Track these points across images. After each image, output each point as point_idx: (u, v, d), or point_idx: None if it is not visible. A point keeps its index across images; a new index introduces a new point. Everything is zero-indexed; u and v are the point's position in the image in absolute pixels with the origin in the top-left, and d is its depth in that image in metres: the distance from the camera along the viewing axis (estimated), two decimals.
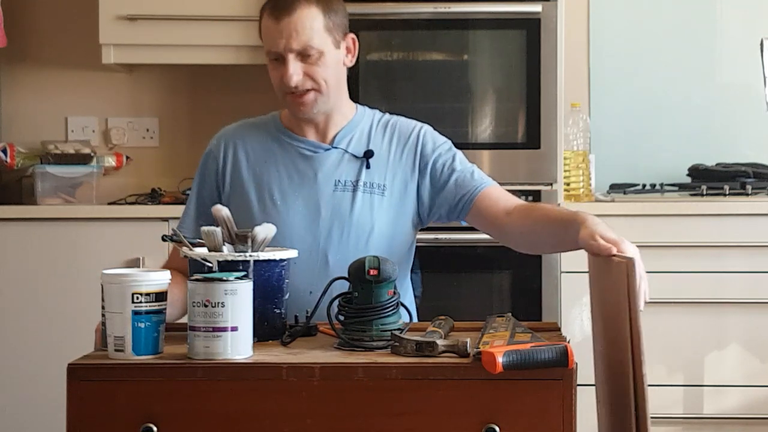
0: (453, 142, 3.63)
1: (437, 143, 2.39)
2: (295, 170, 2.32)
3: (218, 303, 1.66)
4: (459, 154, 2.40)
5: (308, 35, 2.21)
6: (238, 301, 1.67)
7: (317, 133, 2.35)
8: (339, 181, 2.31)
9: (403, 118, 2.44)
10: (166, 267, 2.12)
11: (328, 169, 2.32)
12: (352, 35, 2.34)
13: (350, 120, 2.37)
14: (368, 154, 2.33)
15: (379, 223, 2.30)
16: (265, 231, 1.92)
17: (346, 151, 2.34)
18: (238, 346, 1.68)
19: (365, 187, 2.31)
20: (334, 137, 2.34)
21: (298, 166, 2.32)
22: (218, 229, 1.91)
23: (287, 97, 2.27)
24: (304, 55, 2.23)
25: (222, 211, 1.96)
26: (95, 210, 3.65)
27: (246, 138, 2.37)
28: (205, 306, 1.66)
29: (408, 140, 2.38)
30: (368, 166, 2.33)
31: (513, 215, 2.26)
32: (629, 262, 1.62)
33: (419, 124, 2.42)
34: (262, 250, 1.91)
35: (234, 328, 1.67)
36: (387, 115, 2.43)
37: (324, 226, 2.28)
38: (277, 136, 2.36)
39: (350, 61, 2.34)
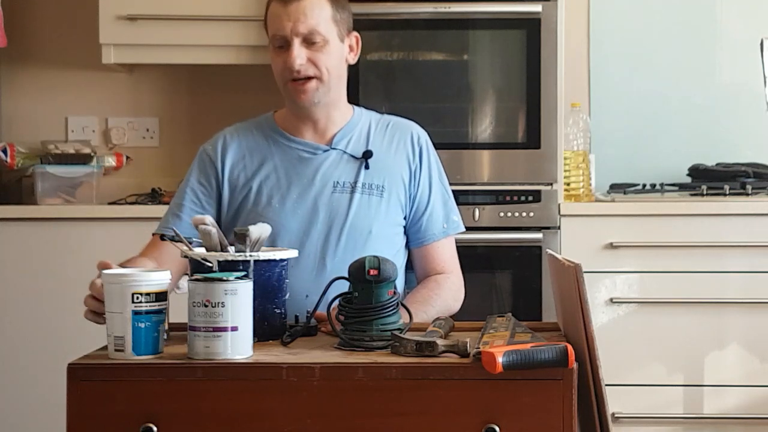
0: (453, 142, 3.64)
1: (432, 160, 2.41)
2: (294, 173, 2.31)
3: (218, 303, 1.66)
4: (444, 178, 2.43)
5: (316, 20, 2.24)
6: (238, 301, 1.67)
7: (315, 134, 2.35)
8: (338, 182, 2.30)
9: (402, 119, 2.44)
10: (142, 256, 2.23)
11: (326, 170, 2.31)
12: (356, 34, 2.36)
13: (349, 120, 2.37)
14: (367, 154, 2.33)
15: (377, 225, 2.29)
16: (259, 230, 1.92)
17: (344, 152, 2.33)
18: (238, 346, 1.68)
19: (364, 188, 2.30)
20: (333, 138, 2.34)
21: (297, 168, 2.32)
22: (214, 229, 1.90)
23: (288, 85, 2.27)
24: (309, 42, 2.24)
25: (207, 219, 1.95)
26: (95, 210, 3.65)
27: (242, 141, 2.36)
28: (205, 306, 1.66)
29: (409, 143, 2.38)
30: (367, 167, 2.32)
31: (420, 283, 2.38)
32: (577, 267, 1.63)
33: (418, 127, 2.44)
34: (257, 250, 1.90)
35: (234, 328, 1.67)
36: (386, 116, 2.43)
37: (321, 229, 2.27)
38: (274, 137, 2.35)
39: (352, 58, 2.36)
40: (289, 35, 2.23)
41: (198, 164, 2.37)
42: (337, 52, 2.29)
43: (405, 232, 2.38)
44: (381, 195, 2.31)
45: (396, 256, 2.32)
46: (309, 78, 2.25)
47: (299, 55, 2.23)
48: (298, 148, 2.33)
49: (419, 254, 2.38)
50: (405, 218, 2.36)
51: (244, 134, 2.38)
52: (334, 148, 2.33)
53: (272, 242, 2.18)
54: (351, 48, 2.35)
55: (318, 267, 2.25)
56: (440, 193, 2.39)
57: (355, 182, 2.31)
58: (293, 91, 2.27)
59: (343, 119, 2.37)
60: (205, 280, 1.68)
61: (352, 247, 2.25)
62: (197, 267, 1.85)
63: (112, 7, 3.74)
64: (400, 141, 2.38)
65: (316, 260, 2.26)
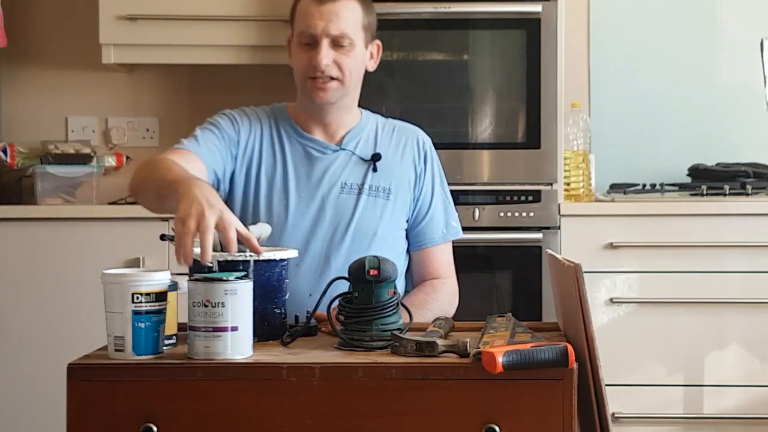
0: (453, 142, 3.64)
1: (435, 165, 2.42)
2: (303, 169, 2.31)
3: (218, 303, 1.66)
4: (445, 184, 2.44)
5: (346, 23, 2.25)
6: (239, 301, 1.67)
7: (325, 134, 2.35)
8: (345, 183, 2.31)
9: (407, 124, 2.45)
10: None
11: (335, 170, 2.32)
12: (378, 42, 2.37)
13: (358, 122, 2.37)
14: (376, 157, 2.33)
15: (383, 227, 2.30)
16: (259, 230, 1.92)
17: (353, 153, 2.34)
18: (239, 346, 1.68)
19: (370, 190, 2.31)
20: (342, 138, 2.34)
21: (306, 165, 2.32)
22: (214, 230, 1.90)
23: (308, 83, 2.27)
24: (337, 44, 2.25)
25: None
26: (95, 210, 3.65)
27: (261, 125, 2.35)
28: (205, 306, 1.66)
29: (415, 147, 2.40)
30: (375, 169, 2.33)
31: (416, 286, 2.39)
32: (577, 267, 1.63)
33: (423, 133, 2.45)
34: None
35: (234, 328, 1.67)
36: (391, 120, 2.45)
37: (327, 229, 2.28)
38: (287, 130, 2.35)
39: (372, 66, 2.37)
40: (319, 35, 2.24)
41: (220, 117, 2.33)
42: (361, 57, 2.31)
43: (405, 236, 2.38)
44: (387, 198, 2.32)
45: (399, 258, 2.32)
46: (331, 78, 2.26)
47: (326, 55, 2.24)
48: (309, 144, 2.33)
49: (417, 257, 2.39)
50: (407, 221, 2.37)
51: (263, 119, 2.36)
52: (343, 149, 2.33)
53: (278, 239, 2.19)
54: (372, 55, 2.36)
55: (322, 267, 2.25)
56: (441, 198, 2.40)
57: (363, 184, 2.31)
58: (312, 88, 2.27)
59: (353, 121, 2.37)
60: (205, 280, 1.68)
61: (356, 249, 2.24)
62: (197, 267, 1.84)
63: (112, 7, 3.74)
64: (407, 145, 2.39)
65: (321, 260, 2.26)
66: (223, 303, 1.66)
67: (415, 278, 2.40)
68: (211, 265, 1.82)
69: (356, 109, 2.40)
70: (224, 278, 1.67)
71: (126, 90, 4.15)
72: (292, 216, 2.27)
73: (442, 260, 2.39)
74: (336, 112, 2.32)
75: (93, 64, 3.93)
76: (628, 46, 4.10)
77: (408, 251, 2.39)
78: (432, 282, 2.36)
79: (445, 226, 2.39)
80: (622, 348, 3.50)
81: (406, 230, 2.38)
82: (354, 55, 2.27)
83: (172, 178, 1.94)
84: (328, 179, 2.31)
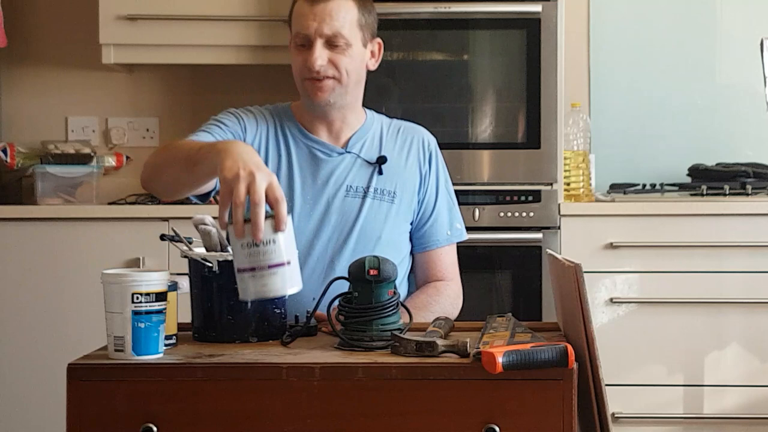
0: (453, 142, 3.64)
1: (440, 166, 2.42)
2: (308, 172, 2.30)
3: (269, 241, 1.66)
4: (450, 186, 2.43)
5: (341, 23, 2.23)
6: (287, 235, 1.67)
7: (330, 134, 2.34)
8: (351, 186, 2.30)
9: (411, 124, 2.44)
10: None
11: (341, 173, 2.31)
12: (379, 40, 2.35)
13: (363, 124, 2.36)
14: (381, 160, 2.32)
15: (387, 230, 2.29)
16: None
17: (358, 156, 2.33)
18: (293, 279, 1.69)
19: (375, 193, 2.30)
20: (348, 141, 2.34)
21: (312, 167, 2.31)
22: (214, 229, 1.90)
23: (306, 83, 2.26)
24: (332, 44, 2.23)
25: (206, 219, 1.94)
26: (95, 210, 3.65)
27: (267, 125, 2.34)
28: (256, 246, 1.66)
29: (420, 148, 2.39)
30: (380, 172, 2.32)
31: (420, 288, 2.38)
32: (577, 267, 1.63)
33: (428, 133, 2.44)
34: None
35: (288, 263, 1.67)
36: (395, 121, 2.43)
37: (332, 233, 2.27)
38: (292, 131, 2.33)
39: (373, 64, 2.35)
40: (313, 35, 2.22)
41: (225, 116, 2.31)
42: (359, 56, 2.28)
43: (410, 238, 2.38)
44: (392, 201, 2.31)
45: (403, 261, 2.32)
46: (327, 77, 2.25)
47: (320, 56, 2.22)
48: (314, 146, 2.32)
49: (421, 259, 2.38)
50: (411, 223, 2.36)
51: (268, 118, 2.35)
52: (348, 152, 2.33)
53: None
54: (372, 54, 2.34)
55: (327, 270, 2.25)
56: (446, 199, 2.40)
57: (368, 187, 2.30)
58: (310, 88, 2.26)
59: (358, 122, 2.36)
60: (249, 221, 1.67)
61: (361, 252, 2.23)
62: (197, 267, 1.85)
63: (112, 7, 3.74)
64: (412, 146, 2.38)
65: (325, 263, 2.25)
66: (274, 240, 1.66)
67: (418, 280, 2.40)
68: (211, 264, 1.82)
69: (361, 110, 2.38)
70: (269, 214, 1.67)
71: (126, 90, 4.15)
72: (297, 218, 2.26)
73: (446, 262, 2.39)
74: (338, 111, 2.31)
75: (93, 64, 3.94)
76: (628, 46, 4.10)
77: (411, 253, 2.39)
78: (435, 284, 2.36)
79: (450, 227, 2.39)
80: (622, 348, 3.50)
81: (410, 232, 2.37)
82: (351, 54, 2.25)
83: (203, 144, 1.91)
84: (333, 182, 2.30)
